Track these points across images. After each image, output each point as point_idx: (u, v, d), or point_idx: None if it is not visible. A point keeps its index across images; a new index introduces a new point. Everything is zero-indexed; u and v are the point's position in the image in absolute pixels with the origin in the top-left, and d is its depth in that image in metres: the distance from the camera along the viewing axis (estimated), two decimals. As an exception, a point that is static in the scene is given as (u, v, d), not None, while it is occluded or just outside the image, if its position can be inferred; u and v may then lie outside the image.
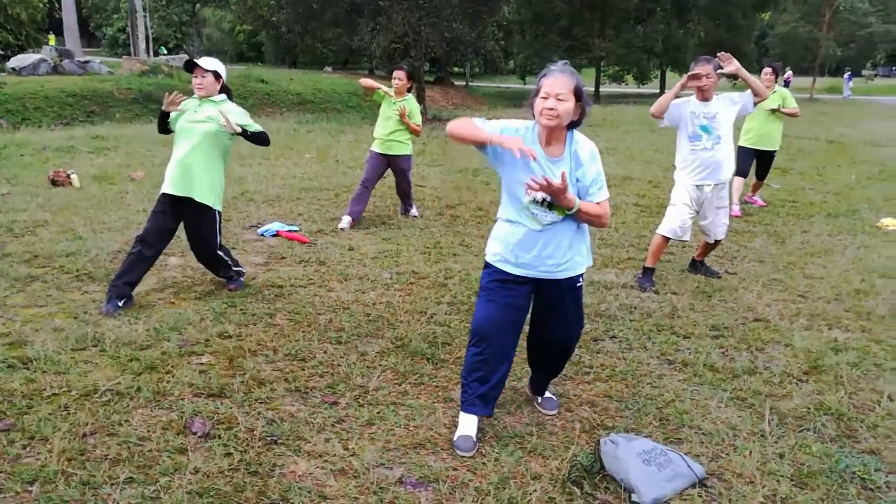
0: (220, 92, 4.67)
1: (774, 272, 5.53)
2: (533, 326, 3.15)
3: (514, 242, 2.84)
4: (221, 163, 4.68)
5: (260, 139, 4.67)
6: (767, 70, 7.84)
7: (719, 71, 4.82)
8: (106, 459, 2.76)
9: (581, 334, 3.18)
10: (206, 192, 4.56)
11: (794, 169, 11.15)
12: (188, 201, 4.53)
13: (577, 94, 2.71)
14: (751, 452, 2.93)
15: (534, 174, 2.71)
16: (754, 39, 42.87)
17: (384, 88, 6.92)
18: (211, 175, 4.57)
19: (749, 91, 4.91)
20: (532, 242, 2.82)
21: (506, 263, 2.89)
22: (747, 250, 6.22)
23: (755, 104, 4.97)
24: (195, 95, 4.61)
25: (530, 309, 3.05)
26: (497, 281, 2.91)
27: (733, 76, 4.90)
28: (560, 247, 2.82)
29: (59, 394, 3.29)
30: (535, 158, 2.66)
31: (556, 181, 2.61)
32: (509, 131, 2.79)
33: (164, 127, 4.69)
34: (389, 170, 7.16)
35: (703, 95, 4.91)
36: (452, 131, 2.79)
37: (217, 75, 4.58)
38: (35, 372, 3.50)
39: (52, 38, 30.62)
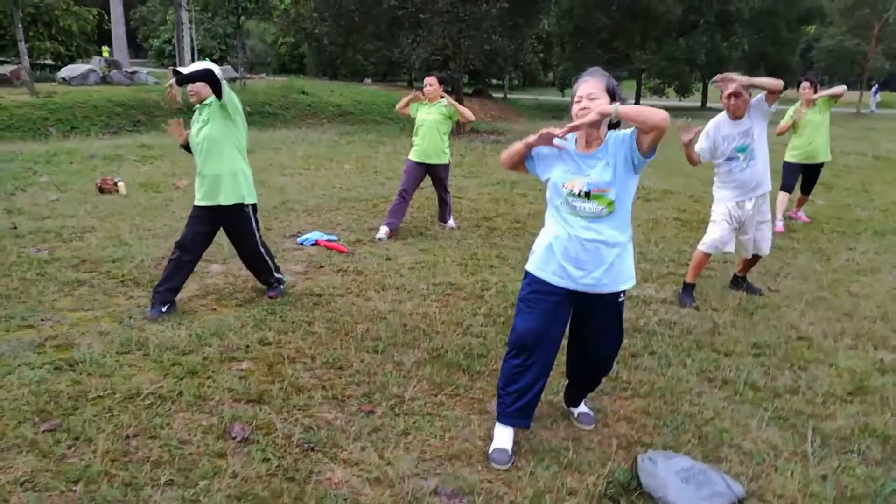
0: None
1: (818, 290, 5.41)
2: (571, 339, 3.13)
3: (559, 252, 2.83)
4: (238, 156, 4.63)
5: (195, 75, 4.35)
6: (805, 84, 7.66)
7: (728, 91, 4.71)
8: (148, 461, 2.82)
9: (619, 350, 3.16)
10: (231, 193, 4.61)
11: (839, 185, 10.92)
12: (218, 208, 4.62)
13: (610, 93, 2.76)
14: (792, 473, 2.88)
15: (569, 167, 2.80)
16: (800, 53, 42.14)
17: (415, 94, 7.01)
18: (232, 175, 4.59)
19: (761, 94, 4.78)
20: (575, 253, 2.80)
21: (547, 273, 2.87)
22: (790, 267, 6.10)
23: (771, 103, 4.77)
24: (196, 108, 4.62)
25: (569, 321, 3.03)
26: (537, 292, 2.90)
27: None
28: (603, 262, 2.79)
29: (103, 396, 3.37)
30: (561, 136, 2.76)
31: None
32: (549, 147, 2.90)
33: None
34: (427, 180, 7.22)
35: (735, 114, 4.83)
36: (503, 159, 2.99)
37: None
38: (81, 374, 3.60)
39: (105, 50, 31.56)
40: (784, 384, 3.72)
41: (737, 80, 4.62)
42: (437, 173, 7.10)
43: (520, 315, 2.94)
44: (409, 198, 7.04)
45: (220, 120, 4.52)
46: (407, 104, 7.10)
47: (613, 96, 2.77)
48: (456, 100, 7.23)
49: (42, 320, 4.40)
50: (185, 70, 4.41)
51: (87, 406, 3.27)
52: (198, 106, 4.61)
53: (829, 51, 43.20)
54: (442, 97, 6.97)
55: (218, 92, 4.40)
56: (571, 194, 2.78)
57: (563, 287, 2.85)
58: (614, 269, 2.83)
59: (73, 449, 2.92)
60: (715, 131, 4.91)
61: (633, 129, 2.73)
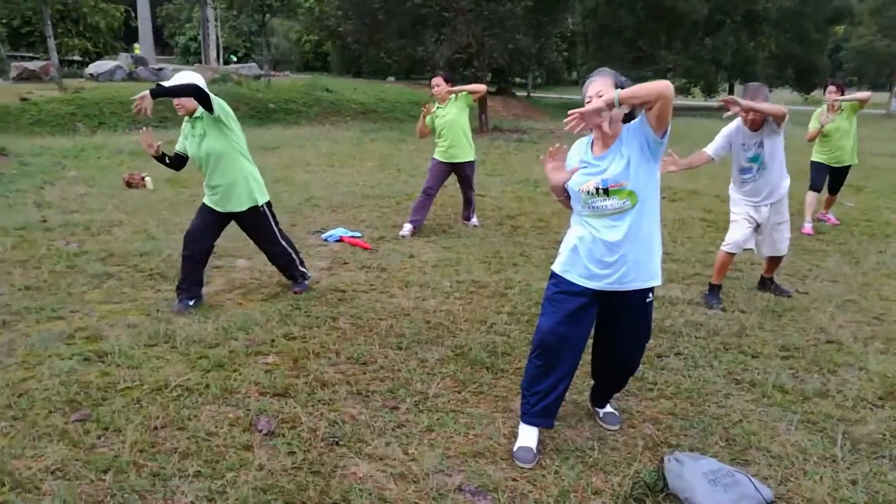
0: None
1: (848, 293, 5.33)
2: (597, 339, 3.10)
3: (584, 254, 2.82)
4: (243, 161, 4.58)
5: (179, 90, 4.26)
6: (831, 88, 7.51)
7: (727, 114, 4.67)
8: (175, 452, 2.85)
9: (644, 351, 3.13)
10: (245, 199, 4.61)
11: (868, 187, 10.75)
12: (231, 213, 4.65)
13: (619, 88, 2.72)
14: (821, 478, 2.83)
15: (585, 170, 2.80)
16: (828, 53, 41.51)
17: (425, 111, 6.94)
18: (243, 181, 4.57)
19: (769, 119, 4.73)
20: (600, 255, 2.78)
21: (573, 275, 2.86)
22: (819, 270, 6.01)
23: (779, 125, 4.69)
24: (186, 119, 4.54)
25: (595, 322, 3.01)
26: (562, 292, 2.88)
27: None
28: (628, 260, 2.77)
29: (132, 387, 3.42)
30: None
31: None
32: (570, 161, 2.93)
33: (174, 164, 4.66)
34: (451, 177, 7.20)
35: (752, 127, 4.75)
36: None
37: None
38: (110, 365, 3.65)
39: (137, 48, 32.02)
40: (813, 387, 3.67)
41: (741, 104, 4.57)
42: (463, 171, 7.08)
43: (544, 315, 2.92)
44: (433, 195, 7.03)
45: (217, 131, 4.45)
46: (423, 124, 6.98)
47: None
48: (479, 101, 7.13)
49: (71, 312, 4.47)
50: (168, 83, 4.30)
51: (116, 397, 3.31)
52: (188, 119, 4.52)
53: (858, 52, 42.52)
54: (450, 94, 6.87)
55: (209, 106, 4.32)
56: (589, 195, 2.76)
57: (589, 288, 2.83)
58: (641, 266, 2.79)
59: (102, 439, 2.96)
60: (734, 135, 4.85)
61: (643, 113, 2.71)
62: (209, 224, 4.66)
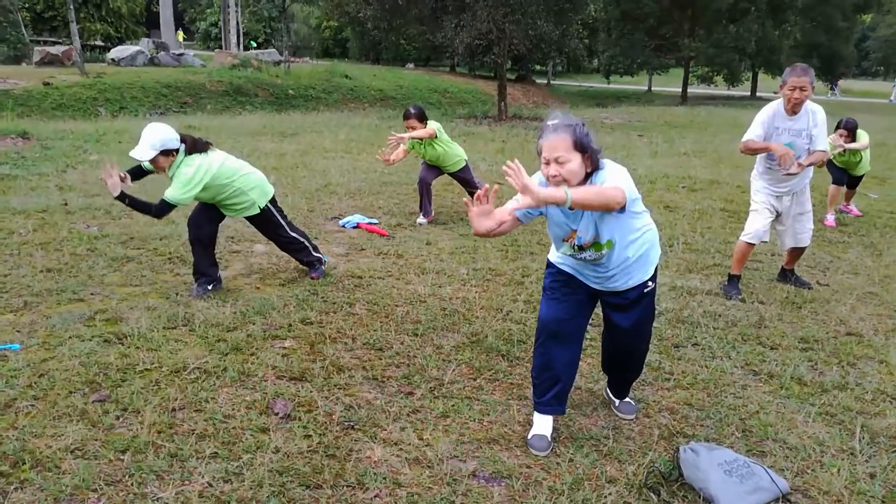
0: (183, 151, 4.37)
1: (870, 285, 5.26)
2: (604, 329, 3.13)
3: (571, 268, 2.90)
4: (234, 185, 4.50)
5: (141, 209, 4.37)
6: (843, 132, 7.32)
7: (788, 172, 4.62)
8: (193, 434, 2.88)
9: (649, 341, 3.11)
10: (247, 212, 4.65)
11: (892, 178, 10.58)
12: None
13: (580, 147, 2.51)
14: (839, 470, 2.81)
15: (565, 225, 2.70)
16: (854, 42, 40.81)
17: (385, 160, 6.66)
18: (239, 202, 4.57)
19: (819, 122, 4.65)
20: (588, 272, 2.84)
21: (566, 266, 2.91)
22: (841, 261, 5.94)
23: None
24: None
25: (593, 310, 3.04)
26: (558, 281, 2.92)
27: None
28: (614, 273, 2.78)
29: (150, 369, 3.46)
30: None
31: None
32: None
33: (134, 176, 4.57)
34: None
35: (793, 109, 4.63)
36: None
37: (165, 153, 4.26)
38: (129, 347, 3.69)
39: (180, 34, 32.25)
40: (832, 380, 3.63)
41: (802, 164, 4.63)
42: (457, 176, 7.04)
43: (544, 303, 2.96)
44: (429, 184, 6.94)
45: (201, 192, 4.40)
46: (394, 161, 6.73)
47: (584, 149, 2.52)
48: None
49: (92, 294, 4.52)
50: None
51: (135, 378, 3.35)
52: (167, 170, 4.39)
53: (886, 41, 41.85)
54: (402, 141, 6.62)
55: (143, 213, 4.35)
56: (571, 247, 2.74)
57: (583, 281, 2.88)
58: (632, 273, 2.80)
59: (121, 419, 2.99)
60: (770, 120, 4.72)
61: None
62: (211, 212, 4.68)
